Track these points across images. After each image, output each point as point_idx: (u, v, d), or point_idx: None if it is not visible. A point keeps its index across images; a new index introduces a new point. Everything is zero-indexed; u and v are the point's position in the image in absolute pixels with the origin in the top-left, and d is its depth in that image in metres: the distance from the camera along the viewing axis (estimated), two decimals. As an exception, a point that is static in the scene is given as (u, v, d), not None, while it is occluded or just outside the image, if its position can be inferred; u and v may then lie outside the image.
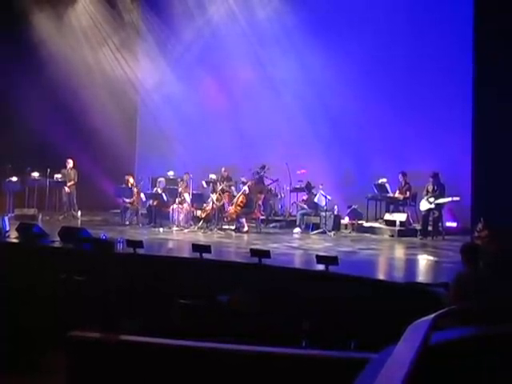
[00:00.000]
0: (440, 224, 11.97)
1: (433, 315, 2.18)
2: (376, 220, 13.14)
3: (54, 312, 5.51)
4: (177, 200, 13.14)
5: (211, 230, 12.59)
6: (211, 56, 15.57)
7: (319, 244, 11.01)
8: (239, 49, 14.84)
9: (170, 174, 14.68)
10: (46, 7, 15.21)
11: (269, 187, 14.21)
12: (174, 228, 12.74)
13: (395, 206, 12.88)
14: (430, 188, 11.99)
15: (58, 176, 14.25)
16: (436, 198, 11.83)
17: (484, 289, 5.11)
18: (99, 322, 3.99)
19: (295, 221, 13.17)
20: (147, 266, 8.43)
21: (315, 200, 12.91)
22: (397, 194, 12.77)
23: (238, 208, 12.62)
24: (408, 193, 12.64)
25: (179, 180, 13.84)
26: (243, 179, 13.30)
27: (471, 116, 11.89)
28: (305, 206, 13.08)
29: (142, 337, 3.63)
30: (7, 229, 10.34)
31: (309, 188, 13.30)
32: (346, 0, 14.34)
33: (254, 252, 8.40)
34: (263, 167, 13.77)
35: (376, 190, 13.07)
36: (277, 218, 14.15)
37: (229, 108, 15.31)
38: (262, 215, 13.64)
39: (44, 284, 6.55)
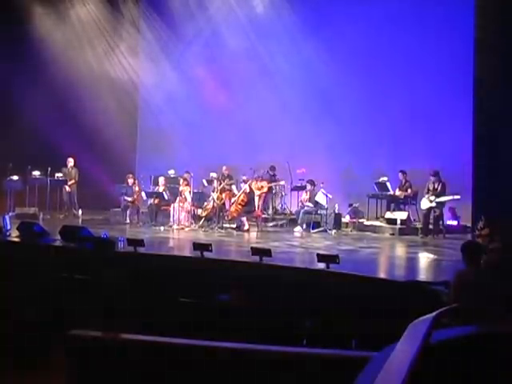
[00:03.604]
0: (441, 222, 11.97)
1: (434, 313, 2.18)
2: (377, 218, 13.14)
3: (55, 311, 5.51)
4: (178, 199, 13.15)
5: (212, 228, 12.59)
6: (212, 54, 15.57)
7: (320, 242, 11.01)
8: (240, 47, 14.84)
9: (171, 172, 14.69)
10: (47, 6, 15.21)
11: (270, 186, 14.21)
12: (175, 227, 12.74)
13: (396, 204, 12.88)
14: (431, 186, 11.99)
15: (58, 175, 14.26)
16: (437, 197, 11.82)
17: (485, 287, 5.11)
18: (100, 321, 3.99)
19: (296, 219, 13.16)
20: (148, 264, 8.43)
21: (316, 198, 12.90)
22: (397, 193, 12.77)
23: (239, 207, 12.62)
24: (409, 191, 12.63)
25: (180, 178, 13.85)
26: (244, 178, 13.31)
27: (472, 114, 11.88)
28: (310, 205, 13.01)
29: (142, 335, 3.63)
30: (8, 227, 10.35)
31: (312, 184, 13.18)
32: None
33: (255, 250, 8.41)
34: (273, 168, 13.81)
35: (377, 189, 13.07)
36: (278, 217, 14.16)
37: (230, 106, 15.31)
38: (263, 214, 13.65)
39: (45, 283, 6.55)
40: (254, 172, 13.54)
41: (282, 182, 14.17)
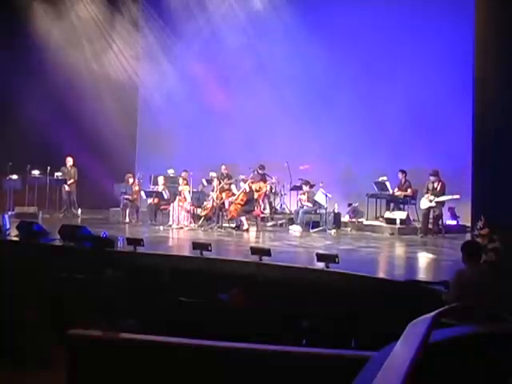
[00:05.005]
0: (440, 222, 11.98)
1: (433, 313, 2.18)
2: (376, 218, 13.14)
3: (55, 310, 5.51)
4: (177, 198, 13.15)
5: (211, 228, 12.59)
6: (212, 53, 15.56)
7: (319, 242, 11.02)
8: (239, 46, 14.83)
9: (171, 171, 14.68)
10: (47, 5, 15.19)
11: (269, 185, 14.21)
12: (174, 226, 12.74)
13: (395, 203, 12.89)
14: (431, 186, 12.00)
15: (58, 174, 14.25)
16: (436, 196, 11.83)
17: (484, 287, 5.11)
18: (100, 320, 3.99)
19: (295, 219, 13.16)
20: (147, 264, 8.43)
21: (315, 198, 12.91)
22: (397, 192, 12.77)
23: (239, 206, 12.62)
24: (409, 190, 12.63)
25: (179, 178, 13.84)
26: (242, 177, 13.31)
27: (472, 113, 11.87)
28: (309, 205, 13.01)
29: (142, 335, 3.64)
30: (8, 227, 10.35)
31: (308, 184, 13.21)
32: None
33: (255, 250, 8.42)
34: (262, 167, 13.79)
35: (376, 188, 13.07)
36: (277, 216, 14.16)
37: (229, 106, 15.31)
38: (263, 213, 13.65)
39: (44, 282, 6.55)
40: (253, 172, 13.56)
41: (274, 179, 14.16)
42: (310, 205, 12.97)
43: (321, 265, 7.79)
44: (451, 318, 3.12)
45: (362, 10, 13.71)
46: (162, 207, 13.53)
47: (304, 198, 13.17)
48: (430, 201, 11.87)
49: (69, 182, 14.31)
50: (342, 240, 11.49)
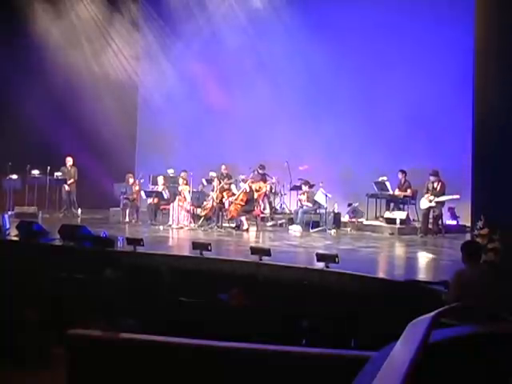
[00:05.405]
0: (440, 222, 11.98)
1: (433, 313, 2.18)
2: (376, 218, 13.13)
3: (55, 310, 5.51)
4: (177, 198, 13.15)
5: (211, 228, 12.59)
6: (212, 53, 15.56)
7: (319, 242, 11.02)
8: (240, 46, 14.82)
9: (170, 171, 14.69)
10: (46, 5, 15.18)
11: (269, 185, 14.22)
12: (174, 226, 12.74)
13: (395, 203, 12.89)
14: (431, 186, 12.00)
15: (58, 174, 14.24)
16: (436, 196, 11.83)
17: (484, 287, 5.12)
18: (100, 320, 3.99)
19: (295, 219, 13.17)
20: (147, 263, 8.43)
21: (315, 198, 12.91)
22: (397, 192, 12.77)
23: (239, 206, 12.62)
24: (409, 190, 12.64)
25: (179, 178, 13.84)
26: (242, 177, 13.31)
27: (472, 113, 11.87)
28: (309, 205, 13.02)
29: (142, 335, 3.64)
30: (7, 227, 10.35)
31: (308, 184, 13.24)
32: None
33: (255, 250, 8.42)
34: (263, 167, 13.79)
35: (376, 188, 13.07)
36: (277, 216, 14.16)
37: (229, 105, 15.31)
38: (263, 213, 13.65)
39: (44, 282, 6.55)
40: (253, 172, 13.56)
41: (274, 179, 14.17)
42: (310, 205, 12.97)
43: (321, 265, 7.79)
44: (451, 318, 3.12)
45: (362, 9, 13.71)
46: (161, 207, 13.53)
47: (304, 197, 13.18)
48: (430, 201, 11.87)
49: (69, 182, 14.31)
50: (342, 240, 11.49)
